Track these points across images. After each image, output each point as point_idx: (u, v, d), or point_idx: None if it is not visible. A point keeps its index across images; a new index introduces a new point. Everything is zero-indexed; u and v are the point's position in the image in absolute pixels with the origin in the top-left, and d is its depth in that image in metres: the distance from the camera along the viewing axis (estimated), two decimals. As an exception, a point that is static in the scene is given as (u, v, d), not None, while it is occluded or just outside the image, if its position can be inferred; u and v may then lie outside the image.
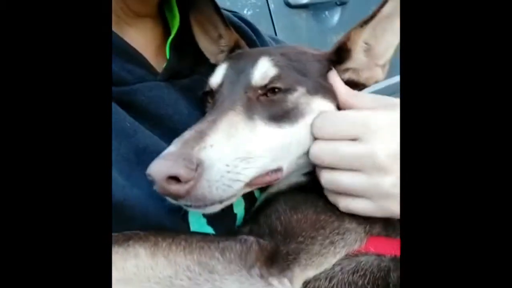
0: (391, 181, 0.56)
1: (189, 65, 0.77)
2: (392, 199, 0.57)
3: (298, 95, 0.65)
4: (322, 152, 0.61)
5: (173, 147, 0.54)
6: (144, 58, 0.70)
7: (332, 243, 0.59)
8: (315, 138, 0.63)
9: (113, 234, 0.55)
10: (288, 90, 0.65)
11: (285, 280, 0.54)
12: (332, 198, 0.63)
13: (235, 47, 0.80)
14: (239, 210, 0.68)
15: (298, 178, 0.68)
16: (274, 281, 0.54)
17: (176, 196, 0.53)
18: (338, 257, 0.58)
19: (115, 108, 0.62)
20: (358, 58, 0.72)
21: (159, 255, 0.52)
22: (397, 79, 0.71)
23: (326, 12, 1.98)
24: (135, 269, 0.51)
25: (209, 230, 0.64)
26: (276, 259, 0.56)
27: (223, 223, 0.65)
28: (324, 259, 0.58)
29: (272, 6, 1.85)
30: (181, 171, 0.51)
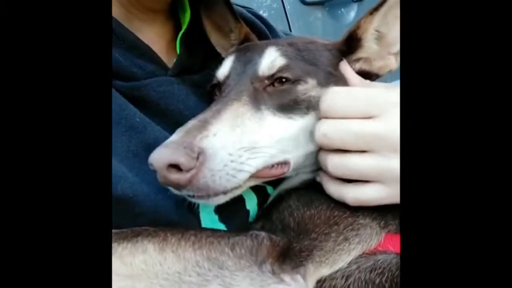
0: None
1: (199, 60, 0.77)
2: None
3: (308, 87, 0.63)
4: (331, 131, 0.57)
5: (175, 136, 0.53)
6: (154, 53, 0.69)
7: (346, 239, 0.56)
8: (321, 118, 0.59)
9: (122, 230, 0.54)
10: (297, 81, 0.63)
11: (298, 277, 0.52)
12: (338, 192, 0.59)
13: (245, 40, 0.79)
14: (252, 207, 0.66)
15: (310, 175, 0.66)
16: (287, 278, 0.51)
17: (178, 186, 0.52)
18: (354, 254, 0.55)
19: (126, 104, 0.62)
20: (369, 46, 0.70)
21: (168, 250, 0.51)
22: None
23: (342, 9, 1.95)
24: (143, 265, 0.50)
25: (221, 226, 0.62)
26: (289, 255, 0.53)
27: (236, 220, 0.64)
28: (339, 257, 0.55)
29: (287, 7, 1.84)
30: (181, 159, 0.50)
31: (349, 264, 0.56)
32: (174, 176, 0.50)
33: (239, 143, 0.55)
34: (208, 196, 0.54)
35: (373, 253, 0.57)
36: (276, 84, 0.63)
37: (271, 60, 0.64)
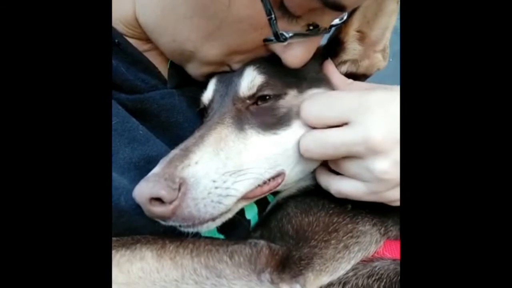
0: (387, 164, 0.52)
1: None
2: (386, 183, 0.53)
3: (289, 98, 0.63)
4: (311, 145, 0.58)
5: (157, 168, 0.53)
6: (155, 68, 0.71)
7: (346, 247, 0.56)
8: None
9: (122, 237, 0.54)
10: (278, 96, 0.63)
11: (297, 286, 0.51)
12: (324, 182, 0.60)
13: None
14: (252, 216, 0.66)
15: (307, 182, 0.66)
16: (285, 287, 0.51)
17: (163, 218, 0.52)
18: (353, 262, 0.55)
19: (129, 117, 0.63)
20: (353, 48, 0.70)
21: (166, 257, 0.51)
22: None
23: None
24: (141, 273, 0.50)
25: (221, 237, 0.62)
26: (288, 264, 0.53)
27: (236, 231, 0.63)
28: (339, 264, 0.55)
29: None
30: (162, 192, 0.49)
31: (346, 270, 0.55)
32: (158, 209, 0.50)
33: (223, 168, 0.55)
34: (195, 225, 0.54)
35: (370, 259, 0.57)
36: (259, 103, 0.63)
37: (250, 79, 0.64)
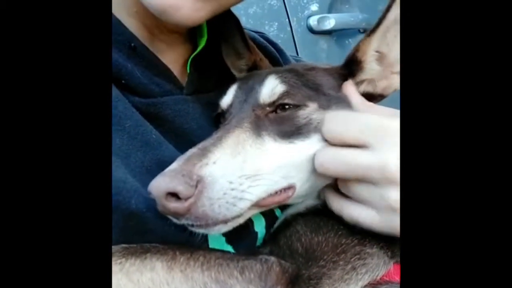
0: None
1: (212, 80, 0.78)
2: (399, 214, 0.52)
3: (310, 111, 0.63)
4: (327, 161, 0.58)
5: (175, 164, 0.53)
6: (171, 73, 0.70)
7: (354, 268, 0.56)
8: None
9: (131, 245, 0.53)
10: (298, 106, 0.63)
11: (307, 305, 0.51)
12: (336, 205, 0.60)
13: (253, 66, 0.81)
14: (260, 229, 0.66)
15: (316, 201, 0.66)
16: (295, 306, 0.51)
17: (176, 214, 0.51)
18: (361, 284, 0.55)
19: (142, 120, 0.63)
20: (371, 68, 0.70)
21: (176, 269, 0.50)
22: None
23: (350, 40, 2.00)
24: (150, 283, 0.49)
25: (229, 248, 0.62)
26: (298, 283, 0.53)
27: (243, 242, 0.63)
28: (347, 286, 0.55)
29: (295, 34, 1.88)
30: (179, 187, 0.49)
31: None
32: (173, 204, 0.50)
33: (240, 171, 0.55)
34: (207, 225, 0.53)
35: (378, 282, 0.56)
36: (278, 111, 0.64)
37: (271, 87, 0.65)
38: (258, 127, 0.61)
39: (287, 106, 0.63)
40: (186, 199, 0.50)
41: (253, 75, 0.74)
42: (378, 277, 0.56)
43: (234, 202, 0.53)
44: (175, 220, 0.54)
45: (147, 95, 0.65)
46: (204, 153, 0.54)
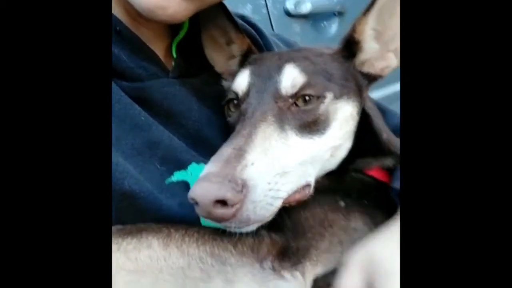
0: None
1: (196, 65, 0.78)
2: None
3: (327, 102, 0.63)
4: None
5: (213, 167, 0.51)
6: (157, 56, 0.71)
7: (340, 242, 0.59)
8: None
9: (125, 226, 0.55)
10: (319, 98, 0.63)
11: (297, 273, 0.54)
12: None
13: (247, 52, 0.79)
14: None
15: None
16: (286, 274, 0.54)
17: (222, 220, 0.51)
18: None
19: (131, 103, 0.63)
20: (370, 47, 0.69)
21: (172, 246, 0.52)
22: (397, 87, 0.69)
23: (325, 22, 2.02)
24: (148, 260, 0.51)
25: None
26: (287, 254, 0.56)
27: None
28: (333, 257, 0.58)
29: (272, 15, 1.88)
30: (228, 194, 0.48)
31: None
32: (220, 211, 0.49)
33: (273, 169, 0.54)
34: (248, 226, 0.53)
35: None
36: (299, 103, 0.62)
37: (292, 77, 0.63)
38: (281, 121, 0.60)
39: (307, 98, 0.62)
40: (233, 205, 0.49)
41: (263, 60, 0.70)
42: None
43: (271, 202, 0.53)
44: (214, 224, 0.53)
45: (134, 79, 0.65)
46: (241, 153, 0.53)
